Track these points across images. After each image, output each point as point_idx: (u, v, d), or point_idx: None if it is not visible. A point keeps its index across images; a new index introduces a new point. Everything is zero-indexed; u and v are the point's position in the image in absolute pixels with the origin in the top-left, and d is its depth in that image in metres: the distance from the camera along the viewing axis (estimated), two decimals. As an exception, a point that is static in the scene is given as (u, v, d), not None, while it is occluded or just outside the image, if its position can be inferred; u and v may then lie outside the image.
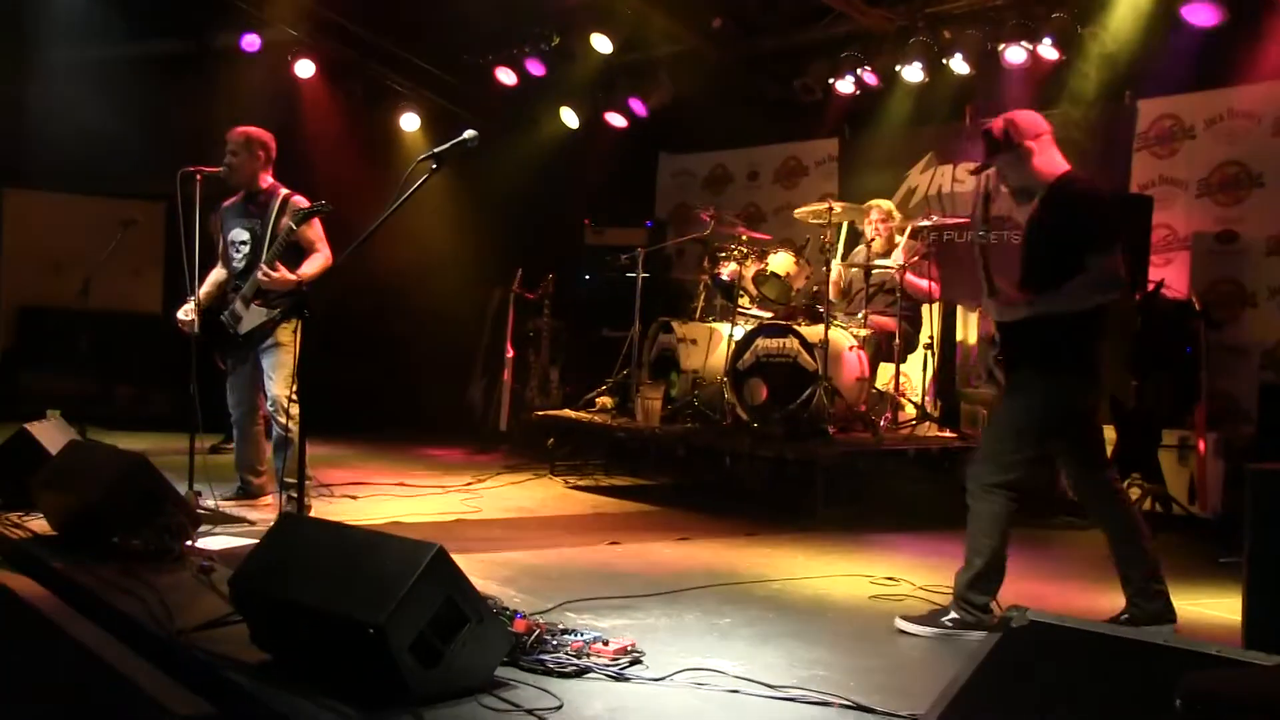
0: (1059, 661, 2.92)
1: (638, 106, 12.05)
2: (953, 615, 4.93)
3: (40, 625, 4.52)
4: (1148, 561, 4.97)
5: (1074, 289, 4.84)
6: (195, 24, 11.72)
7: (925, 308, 9.10)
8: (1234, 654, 2.72)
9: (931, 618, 4.99)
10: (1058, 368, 4.95)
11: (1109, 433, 8.09)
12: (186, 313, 7.10)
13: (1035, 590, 5.92)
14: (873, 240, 9.22)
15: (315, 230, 7.02)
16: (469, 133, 4.85)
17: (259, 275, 6.87)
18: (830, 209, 8.72)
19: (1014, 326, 5.03)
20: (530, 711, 3.52)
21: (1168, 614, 4.93)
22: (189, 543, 5.48)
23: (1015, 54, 9.48)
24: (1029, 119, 5.08)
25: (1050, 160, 5.04)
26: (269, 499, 7.22)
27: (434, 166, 4.79)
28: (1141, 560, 4.97)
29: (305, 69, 11.97)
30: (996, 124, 5.10)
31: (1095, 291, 4.85)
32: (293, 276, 6.81)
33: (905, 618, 5.02)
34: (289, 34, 11.84)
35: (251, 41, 11.59)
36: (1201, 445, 7.87)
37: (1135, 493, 7.69)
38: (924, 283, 8.83)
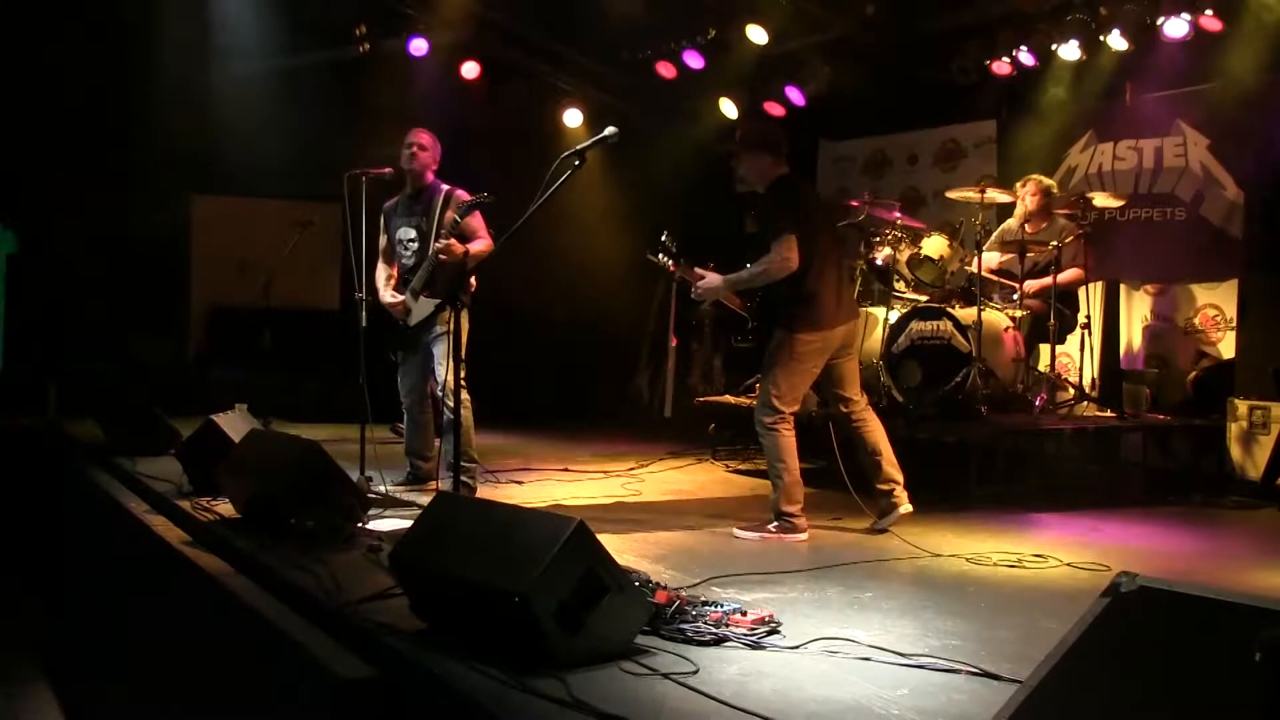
0: (1165, 625, 2.98)
1: (795, 95, 12.14)
2: (774, 524, 6.32)
3: (226, 598, 4.89)
4: (881, 472, 6.50)
5: (751, 273, 6.42)
6: (367, 31, 12.14)
7: (1082, 288, 9.01)
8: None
9: (759, 525, 6.36)
10: (781, 325, 6.37)
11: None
12: (394, 295, 7.49)
13: (1191, 567, 5.91)
14: (1026, 214, 9.14)
15: (478, 220, 7.37)
16: (609, 130, 5.07)
17: (434, 248, 7.21)
18: (983, 191, 8.73)
19: (762, 299, 6.69)
20: (666, 675, 3.70)
21: (892, 509, 6.48)
22: (359, 524, 5.84)
23: (1175, 27, 9.33)
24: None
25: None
26: (436, 484, 7.55)
27: (576, 163, 5.01)
28: (877, 471, 6.51)
29: (470, 70, 12.33)
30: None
31: (761, 275, 6.35)
32: (463, 247, 7.16)
33: (739, 528, 6.39)
34: (454, 37, 12.24)
35: (419, 46, 11.99)
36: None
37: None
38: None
